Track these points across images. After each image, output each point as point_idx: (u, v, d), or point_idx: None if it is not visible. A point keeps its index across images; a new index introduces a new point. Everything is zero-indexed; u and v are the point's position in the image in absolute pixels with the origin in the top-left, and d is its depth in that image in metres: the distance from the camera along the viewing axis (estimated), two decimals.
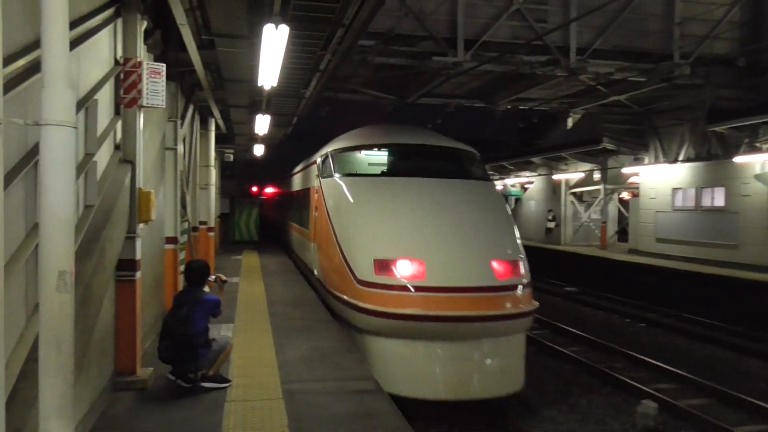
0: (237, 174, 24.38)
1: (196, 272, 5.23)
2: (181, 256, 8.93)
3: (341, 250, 7.37)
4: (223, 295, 5.39)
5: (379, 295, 6.60)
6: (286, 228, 15.14)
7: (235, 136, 17.21)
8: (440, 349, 6.38)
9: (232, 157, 20.36)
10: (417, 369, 6.39)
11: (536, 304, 7.18)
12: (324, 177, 8.94)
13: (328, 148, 9.49)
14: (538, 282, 17.70)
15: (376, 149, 8.91)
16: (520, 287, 6.96)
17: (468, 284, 6.53)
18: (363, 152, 8.97)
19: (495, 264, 6.85)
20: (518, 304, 6.81)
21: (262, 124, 13.83)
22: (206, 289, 5.34)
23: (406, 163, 8.51)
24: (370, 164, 8.86)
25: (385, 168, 8.69)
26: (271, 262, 15.75)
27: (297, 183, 14.34)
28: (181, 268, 8.66)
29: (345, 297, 7.17)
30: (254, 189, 29.65)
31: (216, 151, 15.38)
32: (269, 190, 28.97)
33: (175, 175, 8.29)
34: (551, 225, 22.20)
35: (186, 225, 9.71)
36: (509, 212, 8.27)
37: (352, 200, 7.82)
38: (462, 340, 6.42)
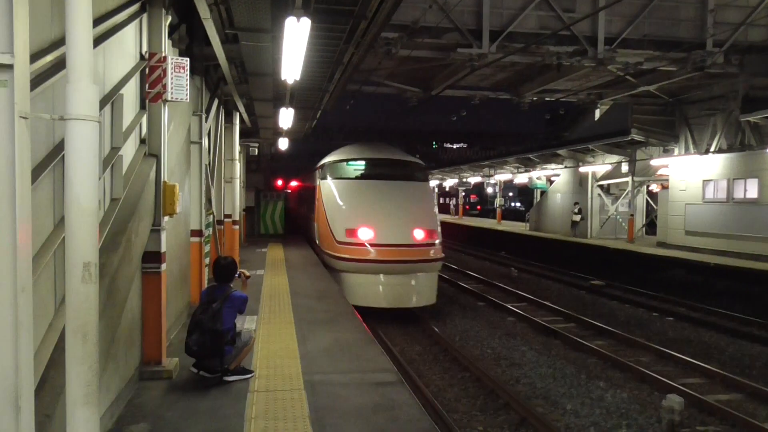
0: (262, 167, 24.56)
1: (225, 269, 5.28)
2: (206, 248, 9.06)
3: (328, 224, 11.89)
4: (246, 290, 5.46)
5: (348, 248, 11.16)
6: (304, 215, 18.89)
7: (259, 129, 17.35)
8: (383, 278, 10.95)
9: (256, 151, 20.58)
10: (370, 291, 10.96)
11: (443, 255, 11.64)
12: (321, 179, 13.16)
13: (324, 160, 13.96)
14: (563, 275, 17.70)
15: (354, 161, 13.40)
16: (432, 245, 11.32)
17: (398, 242, 11.04)
18: (346, 163, 13.37)
19: (416, 231, 11.26)
20: (430, 254, 11.22)
21: (286, 117, 13.91)
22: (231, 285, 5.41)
23: (372, 171, 13.04)
24: (350, 171, 13.19)
25: (359, 173, 13.12)
26: (295, 256, 15.89)
27: (308, 181, 18.67)
28: (206, 260, 8.79)
29: (329, 252, 11.76)
30: (279, 183, 29.94)
31: (240, 145, 15.54)
32: (293, 184, 29.19)
33: (200, 168, 8.40)
34: (577, 218, 21.90)
35: (211, 218, 9.83)
36: (434, 202, 12.80)
37: (336, 194, 12.22)
38: (396, 274, 10.92)
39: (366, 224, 11.23)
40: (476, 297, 14.24)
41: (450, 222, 35.21)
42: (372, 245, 11.01)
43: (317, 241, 13.69)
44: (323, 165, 13.67)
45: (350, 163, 13.37)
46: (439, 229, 11.78)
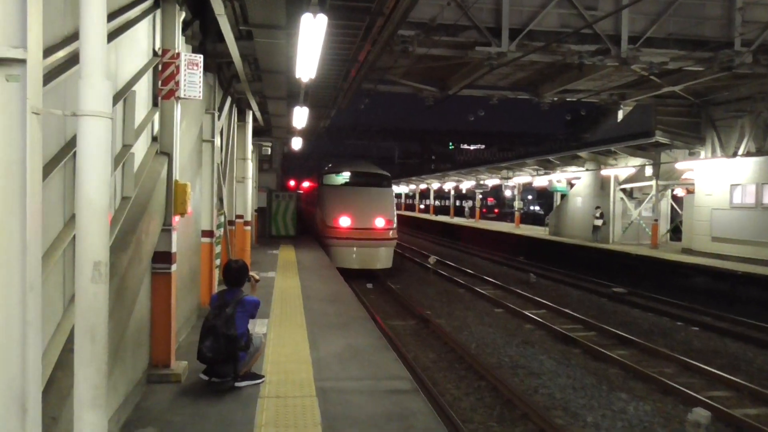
0: (274, 167, 24.68)
1: (237, 272, 5.28)
2: (217, 249, 9.09)
3: (323, 215, 17.96)
4: (255, 293, 5.46)
5: (334, 230, 17.21)
6: (312, 213, 22.51)
7: (272, 128, 17.44)
8: (356, 248, 16.99)
9: (269, 150, 20.65)
10: (347, 257, 16.90)
11: (397, 236, 18.24)
12: (320, 184, 19.60)
13: (322, 170, 20.89)
14: (583, 282, 17.56)
15: (342, 172, 19.90)
16: (389, 230, 17.49)
17: (366, 227, 17.15)
18: (335, 174, 19.90)
19: (378, 219, 17.33)
20: (388, 236, 17.48)
21: (300, 116, 13.95)
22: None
23: (353, 179, 19.42)
24: (338, 179, 19.68)
25: (345, 181, 19.56)
26: (307, 258, 15.91)
27: (313, 184, 24.45)
28: (217, 262, 8.82)
29: (323, 233, 17.93)
30: (291, 183, 30.04)
31: (253, 144, 15.61)
32: (306, 184, 29.35)
33: (211, 167, 8.44)
34: (599, 222, 21.71)
35: (222, 218, 9.88)
36: (394, 202, 18.69)
37: (328, 195, 18.36)
38: (365, 247, 17.03)
39: (346, 215, 17.32)
40: (493, 303, 14.15)
41: (465, 225, 35.09)
42: (349, 229, 17.22)
43: (318, 227, 19.85)
44: (320, 174, 20.43)
45: (338, 174, 19.92)
46: (395, 219, 18.10)
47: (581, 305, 14.27)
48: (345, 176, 19.73)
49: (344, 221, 17.19)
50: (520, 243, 26.14)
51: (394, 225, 17.75)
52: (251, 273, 5.60)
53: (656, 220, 20.16)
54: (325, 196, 18.39)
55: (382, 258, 17.46)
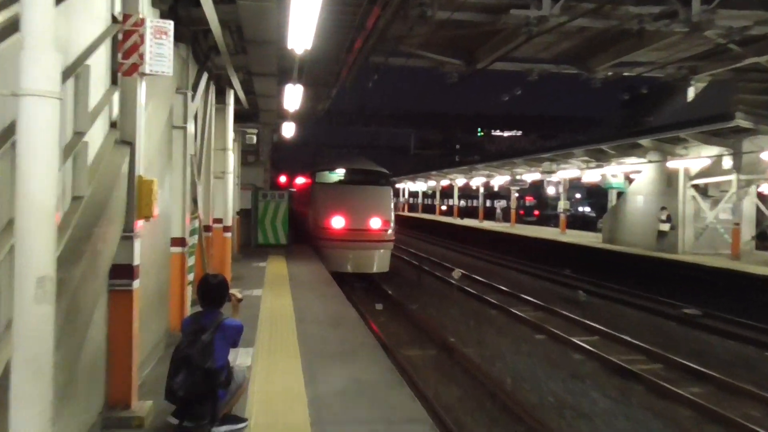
0: (262, 160, 24.77)
1: (215, 291, 5.24)
2: (191, 261, 9.11)
3: (315, 215, 20.05)
4: (238, 315, 5.44)
5: (326, 232, 19.27)
6: (306, 215, 24.34)
7: (259, 112, 17.48)
8: (350, 251, 18.95)
9: (255, 139, 20.68)
10: (342, 260, 18.92)
11: (394, 237, 19.99)
12: (313, 182, 21.85)
13: (315, 168, 23.09)
14: (646, 301, 17.44)
15: (336, 169, 21.82)
16: (386, 231, 19.27)
17: (361, 228, 18.99)
18: (329, 171, 21.89)
19: (374, 220, 19.07)
20: (384, 237, 19.25)
21: (293, 97, 13.98)
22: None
23: (349, 177, 21.25)
24: (332, 176, 21.61)
25: (340, 178, 21.43)
26: (301, 271, 15.91)
27: (307, 182, 26.99)
28: (190, 277, 8.83)
29: (315, 235, 20.22)
30: (283, 179, 30.20)
31: (235, 131, 15.65)
32: (301, 180, 29.50)
33: (184, 160, 8.46)
34: (665, 227, 21.56)
35: (197, 223, 9.90)
36: (391, 201, 20.45)
37: (320, 194, 20.50)
38: (360, 250, 18.99)
39: (340, 214, 19.24)
40: (533, 327, 14.08)
41: (498, 231, 35.00)
42: (343, 230, 19.15)
43: (310, 229, 22.07)
44: (314, 172, 22.53)
45: (332, 172, 21.85)
46: (393, 220, 20.03)
47: (643, 330, 14.17)
48: (339, 173, 21.70)
49: (337, 222, 19.16)
50: (566, 253, 26.02)
51: (392, 226, 19.94)
52: (232, 291, 5.58)
53: (737, 224, 19.98)
54: (317, 195, 20.61)
55: (379, 261, 19.44)
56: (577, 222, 44.77)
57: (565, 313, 15.45)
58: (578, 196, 67.58)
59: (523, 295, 18.06)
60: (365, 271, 19.37)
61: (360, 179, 21.02)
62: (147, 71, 5.08)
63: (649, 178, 23.55)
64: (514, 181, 37.86)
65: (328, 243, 19.24)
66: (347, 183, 21.10)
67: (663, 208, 21.84)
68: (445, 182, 51.73)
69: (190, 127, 8.86)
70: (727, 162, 19.85)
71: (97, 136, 4.84)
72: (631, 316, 15.98)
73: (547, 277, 23.01)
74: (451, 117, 76.28)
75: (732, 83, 18.08)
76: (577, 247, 25.58)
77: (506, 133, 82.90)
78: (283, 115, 18.84)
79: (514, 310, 15.75)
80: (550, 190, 55.16)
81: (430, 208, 65.42)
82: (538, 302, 17.00)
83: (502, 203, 48.50)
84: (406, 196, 68.01)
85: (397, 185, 67.30)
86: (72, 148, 4.20)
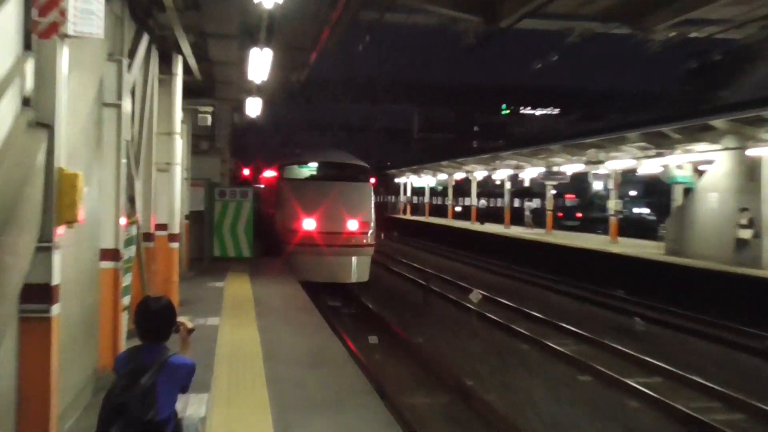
0: (219, 147, 24.74)
1: (158, 317, 5.18)
2: (126, 281, 9.08)
3: (282, 216, 22.54)
4: (188, 351, 5.40)
5: (295, 235, 21.31)
6: (273, 217, 26.24)
7: (216, 85, 17.49)
8: (324, 259, 21.10)
9: (210, 120, 20.63)
10: (314, 268, 21.01)
11: (374, 242, 22.73)
12: (280, 178, 24.25)
13: (282, 161, 25.58)
14: (722, 330, 17.42)
15: (306, 163, 24.67)
16: (365, 234, 21.82)
17: (336, 231, 21.33)
18: (298, 165, 24.61)
19: (350, 222, 21.47)
20: (362, 242, 21.77)
21: (261, 65, 13.95)
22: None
23: (322, 172, 23.90)
24: (302, 171, 24.17)
25: (311, 173, 24.09)
26: (271, 293, 15.89)
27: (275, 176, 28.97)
28: (126, 300, 8.80)
29: (283, 239, 22.34)
30: (246, 172, 30.29)
31: (185, 111, 15.61)
32: (270, 174, 29.48)
33: (117, 148, 8.43)
34: (746, 234, 21.58)
35: (135, 230, 9.87)
36: (372, 200, 22.88)
37: (288, 191, 22.78)
38: (335, 255, 21.17)
39: (310, 215, 21.16)
40: (575, 366, 14.07)
41: (529, 240, 34.97)
42: (313, 232, 21.09)
43: (277, 232, 23.88)
44: (281, 166, 24.87)
45: (303, 166, 24.45)
46: (373, 222, 22.41)
47: (720, 369, 14.18)
48: (311, 168, 24.41)
49: (308, 224, 21.25)
50: (618, 267, 26.02)
51: (372, 228, 22.30)
52: (180, 319, 5.55)
53: None
54: (284, 193, 22.90)
55: (356, 269, 21.57)
56: (632, 227, 44.77)
57: (617, 346, 15.44)
58: (633, 193, 67.65)
59: (562, 324, 18.06)
60: (341, 281, 21.44)
61: (335, 174, 23.46)
62: (70, 32, 5.06)
63: (725, 171, 23.53)
64: (549, 174, 37.84)
65: (297, 248, 21.08)
66: (319, 179, 23.54)
67: (743, 210, 21.85)
68: (459, 175, 51.76)
69: (126, 105, 8.83)
70: None
71: (4, 117, 4.82)
72: (703, 350, 15.98)
73: (593, 300, 23.02)
74: (467, 91, 76.38)
75: None
76: (633, 260, 25.57)
77: (539, 112, 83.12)
78: (247, 89, 18.81)
79: (550, 343, 15.72)
80: (597, 186, 55.24)
81: (439, 210, 65.18)
82: (581, 333, 16.99)
83: (534, 203, 48.44)
84: (408, 193, 67.67)
85: (397, 180, 67.33)
86: None
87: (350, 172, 23.71)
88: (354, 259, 21.31)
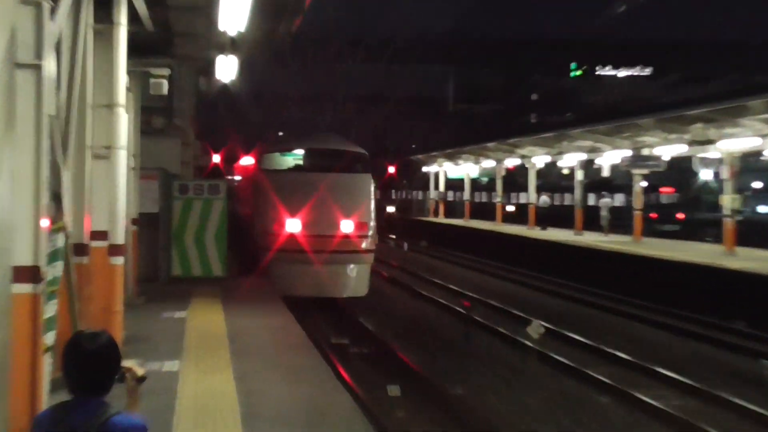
0: (178, 124, 24.80)
1: (96, 361, 5.12)
2: (50, 311, 9.02)
3: (261, 216, 25.60)
4: (137, 407, 5.33)
5: (277, 239, 23.76)
6: (250, 218, 28.92)
7: (174, 38, 17.50)
8: (313, 268, 23.14)
9: (165, 87, 20.59)
10: (298, 279, 23.60)
11: (374, 247, 25.36)
12: (258, 169, 28.26)
13: (261, 148, 30.86)
14: None
15: (291, 150, 28.56)
16: (363, 237, 24.32)
17: (327, 233, 23.75)
18: (281, 152, 28.92)
19: (344, 222, 23.77)
20: (360, 246, 24.20)
21: (237, 10, 13.95)
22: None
23: (309, 161, 27.25)
24: (285, 160, 28.03)
25: (296, 163, 27.74)
26: (253, 326, 15.93)
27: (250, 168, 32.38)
28: (48, 338, 8.75)
29: (262, 244, 25.07)
30: (216, 158, 30.68)
31: (131, 75, 15.61)
32: (249, 161, 29.98)
33: (36, 125, 8.38)
34: None
35: (61, 240, 9.83)
36: (372, 196, 26.01)
37: (268, 185, 25.33)
38: (325, 264, 23.27)
39: (293, 215, 22.92)
40: (676, 428, 13.97)
41: (608, 251, 34.85)
42: (296, 235, 22.78)
43: (255, 236, 26.24)
44: (262, 156, 27.50)
45: (287, 153, 27.17)
46: (372, 222, 24.50)
47: None
48: (296, 156, 27.21)
49: (292, 225, 23.26)
50: (738, 290, 25.92)
51: (371, 230, 24.51)
52: (126, 363, 5.48)
53: None
54: (264, 187, 25.04)
55: (352, 280, 23.87)
56: (756, 232, 44.49)
57: (737, 401, 15.31)
58: (758, 185, 67.24)
59: (656, 368, 17.97)
60: (333, 295, 23.77)
61: (325, 163, 25.85)
62: None
63: None
64: (637, 160, 37.71)
65: (278, 255, 23.15)
66: (307, 170, 26.20)
67: None
68: (511, 162, 51.60)
69: (49, 67, 8.77)
70: None
71: None
72: None
73: (701, 335, 22.94)
74: (521, 46, 76.41)
75: None
76: (759, 280, 25.44)
77: (622, 73, 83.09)
78: (217, 45, 18.82)
79: (641, 395, 15.64)
80: (705, 176, 54.89)
81: (483, 210, 64.97)
82: (685, 381, 16.90)
83: (611, 199, 47.88)
84: (441, 187, 67.44)
85: (425, 168, 67.38)
86: None
87: (345, 161, 25.66)
88: (348, 267, 23.23)
